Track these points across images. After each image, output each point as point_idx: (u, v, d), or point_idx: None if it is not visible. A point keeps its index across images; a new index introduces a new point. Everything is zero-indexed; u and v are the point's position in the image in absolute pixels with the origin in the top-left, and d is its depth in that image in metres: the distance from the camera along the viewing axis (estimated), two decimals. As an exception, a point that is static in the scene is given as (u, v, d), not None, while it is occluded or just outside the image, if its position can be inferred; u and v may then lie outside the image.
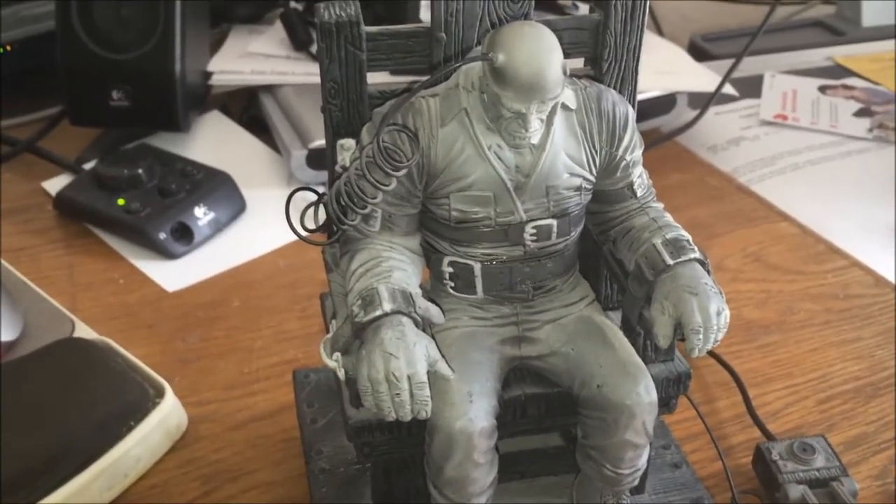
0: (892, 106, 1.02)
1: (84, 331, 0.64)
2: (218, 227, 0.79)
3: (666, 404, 0.49)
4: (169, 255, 0.76)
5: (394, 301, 0.41)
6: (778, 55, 1.14)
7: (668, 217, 0.47)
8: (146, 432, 0.57)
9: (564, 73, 0.41)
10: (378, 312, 0.41)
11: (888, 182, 0.87)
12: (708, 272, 0.44)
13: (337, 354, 0.42)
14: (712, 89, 0.91)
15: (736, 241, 0.79)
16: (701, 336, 0.42)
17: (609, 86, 0.46)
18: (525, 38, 0.40)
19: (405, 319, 0.41)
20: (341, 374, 0.42)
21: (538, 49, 0.40)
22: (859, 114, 1.01)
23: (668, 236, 0.45)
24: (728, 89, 0.94)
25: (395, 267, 0.43)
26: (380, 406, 0.40)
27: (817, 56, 1.15)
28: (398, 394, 0.40)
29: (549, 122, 0.43)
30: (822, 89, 1.06)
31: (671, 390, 0.48)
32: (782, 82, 1.08)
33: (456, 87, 0.43)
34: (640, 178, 0.47)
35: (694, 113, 0.93)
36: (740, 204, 0.85)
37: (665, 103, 0.93)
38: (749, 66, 1.07)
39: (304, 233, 0.44)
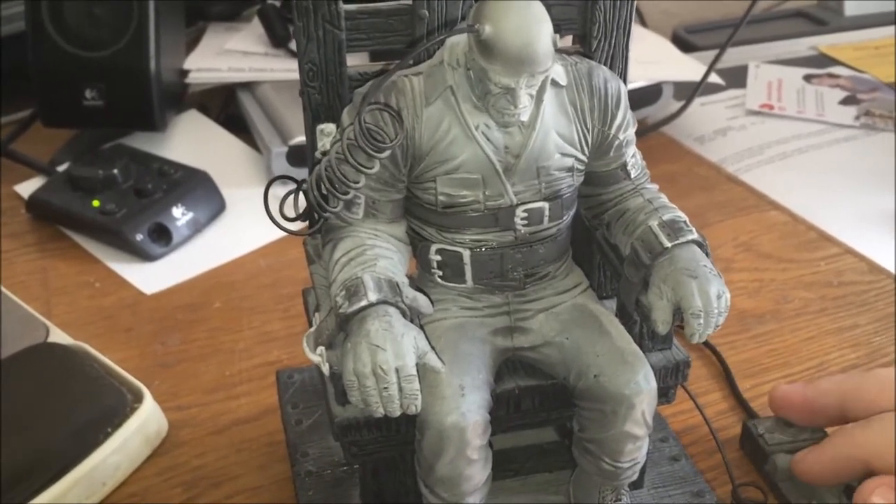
0: (878, 93, 1.01)
1: (59, 336, 0.62)
2: (197, 228, 0.77)
3: (664, 394, 0.47)
4: (146, 256, 0.74)
5: (380, 291, 0.40)
6: (761, 45, 1.13)
7: (664, 198, 0.45)
8: (124, 439, 0.54)
9: (554, 45, 0.39)
10: (363, 303, 0.39)
11: (877, 169, 0.86)
12: (707, 254, 0.43)
13: (321, 349, 0.40)
14: (698, 79, 0.90)
15: (727, 231, 0.78)
16: (702, 321, 0.41)
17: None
18: (513, 9, 0.38)
19: (392, 310, 0.39)
20: (325, 368, 0.40)
21: (527, 19, 0.38)
22: (845, 102, 1.00)
23: (664, 218, 0.43)
24: (714, 78, 0.92)
25: (381, 255, 0.42)
26: (367, 401, 0.39)
27: (801, 46, 1.14)
28: (386, 387, 0.38)
29: (538, 99, 0.41)
30: (807, 78, 1.05)
31: (669, 380, 0.47)
32: (767, 72, 1.07)
33: (440, 65, 0.41)
34: (633, 158, 0.45)
35: (679, 104, 0.92)
36: (730, 193, 0.84)
37: (651, 94, 0.91)
38: (733, 56, 1.06)
39: (284, 223, 0.42)
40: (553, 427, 0.51)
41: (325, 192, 0.41)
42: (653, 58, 0.95)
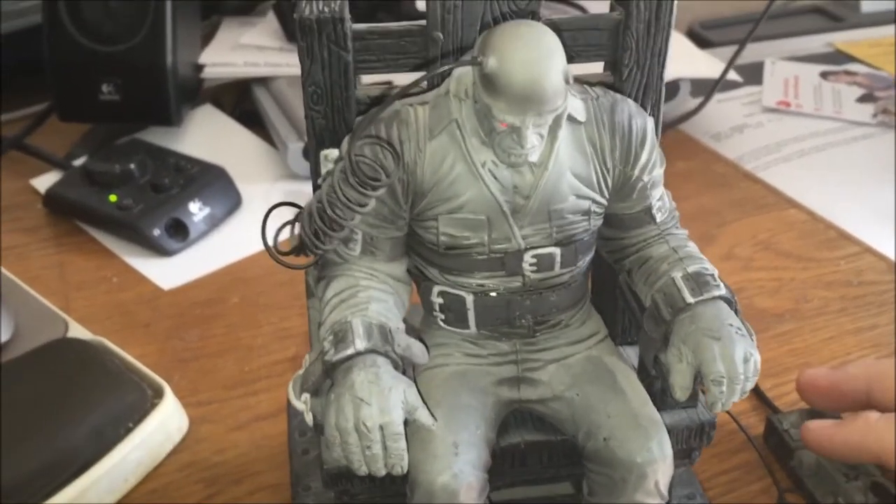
0: (894, 91, 1.00)
1: (78, 331, 0.62)
2: (214, 223, 0.77)
3: (687, 455, 0.44)
4: (163, 251, 0.74)
5: (369, 338, 0.37)
6: (777, 42, 1.13)
7: (692, 247, 0.42)
8: (146, 434, 0.54)
9: (567, 81, 0.36)
10: (350, 351, 0.37)
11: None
12: (736, 311, 0.40)
13: (305, 395, 0.38)
14: (716, 75, 0.89)
15: (745, 229, 0.77)
16: (724, 388, 0.37)
17: (631, 95, 0.42)
18: (520, 40, 0.35)
19: (381, 360, 0.37)
20: (309, 418, 0.38)
21: (535, 53, 0.35)
22: (862, 99, 0.99)
23: (689, 269, 0.40)
24: (732, 75, 0.92)
25: (374, 298, 0.39)
26: (349, 459, 0.36)
27: (817, 42, 1.13)
28: (369, 446, 0.36)
29: (552, 136, 0.38)
30: (824, 75, 1.05)
31: (693, 442, 0.43)
32: (783, 69, 1.06)
33: (446, 95, 0.38)
34: (659, 200, 0.42)
35: (696, 101, 0.91)
36: (748, 191, 0.83)
37: (668, 91, 0.91)
38: (748, 53, 1.04)
39: (281, 256, 0.39)
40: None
41: (317, 229, 0.39)
42: (669, 54, 0.94)
